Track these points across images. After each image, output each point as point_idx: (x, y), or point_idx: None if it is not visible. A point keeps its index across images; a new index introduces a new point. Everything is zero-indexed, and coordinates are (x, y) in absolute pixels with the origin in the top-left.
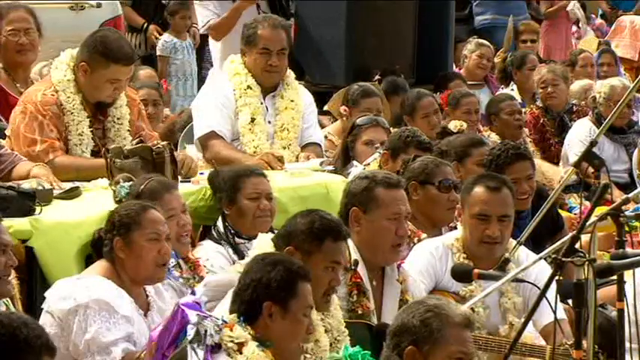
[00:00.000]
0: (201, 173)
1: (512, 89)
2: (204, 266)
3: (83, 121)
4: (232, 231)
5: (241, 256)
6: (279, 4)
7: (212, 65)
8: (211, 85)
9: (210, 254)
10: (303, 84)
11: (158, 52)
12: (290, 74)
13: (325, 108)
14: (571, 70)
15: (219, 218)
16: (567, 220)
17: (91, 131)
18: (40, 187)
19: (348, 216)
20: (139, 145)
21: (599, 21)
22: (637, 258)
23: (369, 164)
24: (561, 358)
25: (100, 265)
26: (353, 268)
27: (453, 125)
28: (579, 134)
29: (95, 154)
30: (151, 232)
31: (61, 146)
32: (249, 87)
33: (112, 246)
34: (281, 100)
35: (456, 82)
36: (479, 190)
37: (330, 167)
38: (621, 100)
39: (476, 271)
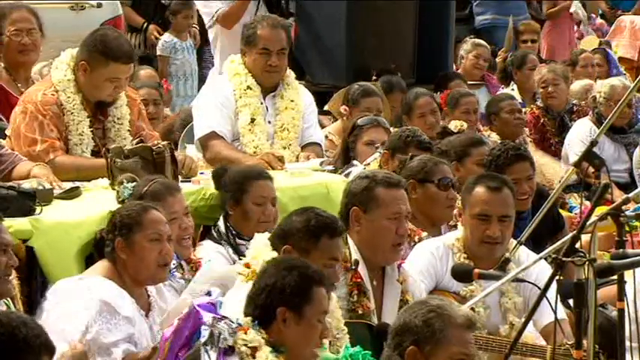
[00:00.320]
0: (202, 173)
1: (512, 89)
2: None
3: (83, 121)
4: (234, 232)
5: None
6: (277, 4)
7: (212, 65)
8: (211, 86)
9: (211, 254)
10: (303, 84)
11: (158, 52)
12: (290, 74)
13: (325, 108)
14: (572, 70)
15: (221, 218)
16: (567, 219)
17: (92, 131)
18: (41, 187)
19: (348, 216)
20: (140, 145)
21: (599, 21)
22: (637, 258)
23: (369, 164)
24: (562, 359)
25: (102, 265)
26: (353, 268)
27: (454, 125)
28: (580, 134)
29: (95, 153)
30: (152, 232)
31: (62, 146)
32: (249, 87)
33: (113, 246)
34: (281, 100)
35: (457, 82)
36: (480, 190)
37: (331, 167)
38: (621, 100)
39: (476, 271)
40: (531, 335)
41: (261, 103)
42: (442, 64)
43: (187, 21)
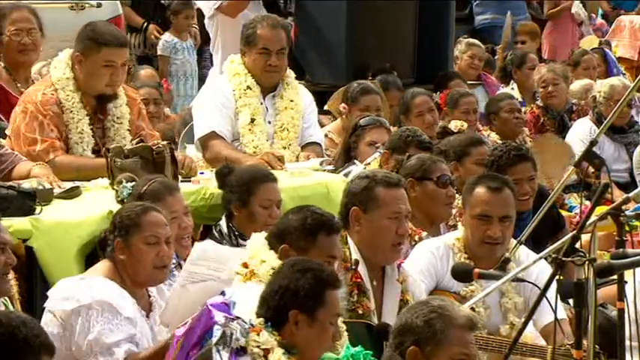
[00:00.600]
0: (202, 173)
1: (512, 88)
2: None
3: (83, 119)
4: (236, 232)
5: None
6: (275, 4)
7: (212, 65)
8: (211, 86)
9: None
10: (303, 83)
11: (159, 52)
12: (290, 74)
13: (325, 107)
14: (572, 70)
15: (223, 218)
16: (567, 219)
17: (91, 129)
18: (41, 187)
19: (348, 215)
20: (140, 144)
21: (599, 21)
22: (637, 258)
23: (369, 164)
24: (562, 359)
25: (103, 265)
26: (353, 267)
27: (454, 125)
28: (579, 134)
29: (96, 152)
30: (149, 234)
31: (62, 146)
32: (248, 87)
33: (113, 247)
34: (281, 100)
35: (456, 82)
36: (480, 190)
37: (331, 167)
38: (621, 100)
39: (476, 270)
40: (531, 335)
41: (261, 103)
42: (442, 63)
43: (188, 21)
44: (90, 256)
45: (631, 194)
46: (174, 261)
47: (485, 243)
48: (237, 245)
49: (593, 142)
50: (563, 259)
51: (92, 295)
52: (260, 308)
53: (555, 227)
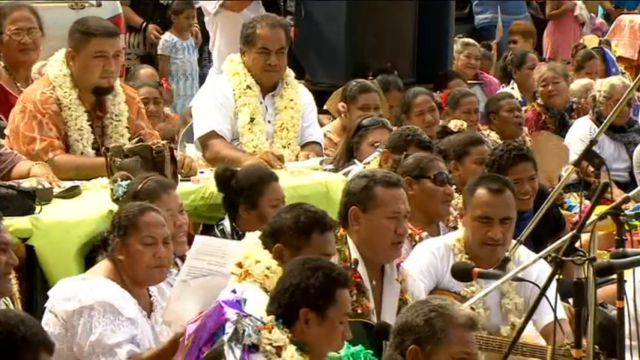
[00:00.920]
0: (202, 172)
1: (512, 88)
2: None
3: (81, 116)
4: (240, 232)
5: None
6: (275, 3)
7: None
8: (211, 85)
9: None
10: (302, 83)
11: (159, 52)
12: (290, 73)
13: (324, 107)
14: (574, 71)
15: (226, 218)
16: (566, 219)
17: (90, 126)
18: (40, 186)
19: (347, 215)
20: (139, 144)
21: (598, 20)
22: (637, 257)
23: (369, 163)
24: (562, 359)
25: (104, 265)
26: (353, 267)
27: (454, 124)
28: (579, 133)
29: (95, 150)
30: (146, 235)
31: (61, 145)
32: (248, 87)
33: (113, 247)
34: (280, 100)
35: (456, 81)
36: (481, 192)
37: (330, 166)
38: (621, 99)
39: (476, 269)
40: (530, 335)
41: (261, 103)
42: (442, 63)
43: (189, 21)
44: (90, 255)
45: (631, 193)
46: None
47: (486, 244)
48: None
49: (592, 142)
50: (563, 258)
51: (94, 296)
52: (271, 306)
53: (556, 227)
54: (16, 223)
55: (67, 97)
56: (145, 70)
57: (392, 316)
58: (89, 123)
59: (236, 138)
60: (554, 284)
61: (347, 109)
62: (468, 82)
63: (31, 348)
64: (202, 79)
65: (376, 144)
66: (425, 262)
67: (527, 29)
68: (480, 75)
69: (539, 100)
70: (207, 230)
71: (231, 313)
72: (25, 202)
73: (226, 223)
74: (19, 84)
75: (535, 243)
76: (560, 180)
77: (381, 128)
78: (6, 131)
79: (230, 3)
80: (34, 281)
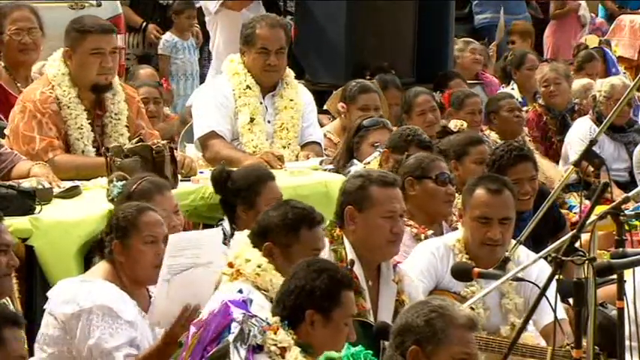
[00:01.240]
0: (201, 172)
1: (512, 88)
2: None
3: (81, 115)
4: None
5: None
6: (275, 3)
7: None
8: (211, 85)
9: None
10: (302, 83)
11: (159, 51)
12: (289, 73)
13: (324, 107)
14: (575, 72)
15: (225, 219)
16: (566, 218)
17: (90, 123)
18: (40, 186)
19: (343, 215)
20: (139, 144)
21: (599, 20)
22: (637, 257)
23: (369, 163)
24: (562, 359)
25: (103, 267)
26: (349, 267)
27: (454, 124)
28: (579, 133)
29: (96, 149)
30: (147, 235)
31: (60, 145)
32: (248, 87)
33: (111, 248)
34: (280, 100)
35: (456, 81)
36: (480, 192)
37: (330, 166)
38: (621, 99)
39: (476, 270)
40: (530, 335)
41: (261, 103)
42: (442, 63)
43: (190, 21)
44: (89, 255)
45: (631, 193)
46: None
47: (485, 244)
48: None
49: (592, 142)
50: (563, 258)
51: (92, 300)
52: (276, 307)
53: (556, 227)
54: (15, 223)
55: (66, 95)
56: (145, 70)
57: (388, 316)
58: (89, 121)
59: (236, 138)
60: (554, 284)
61: (347, 110)
62: (470, 82)
63: None
64: (203, 79)
65: (376, 144)
66: (425, 262)
67: (525, 29)
68: (481, 75)
69: (540, 101)
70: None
71: (237, 313)
72: (25, 202)
73: (226, 224)
74: (19, 84)
75: (535, 243)
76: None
77: (382, 129)
78: (6, 131)
79: (231, 2)
80: (34, 281)
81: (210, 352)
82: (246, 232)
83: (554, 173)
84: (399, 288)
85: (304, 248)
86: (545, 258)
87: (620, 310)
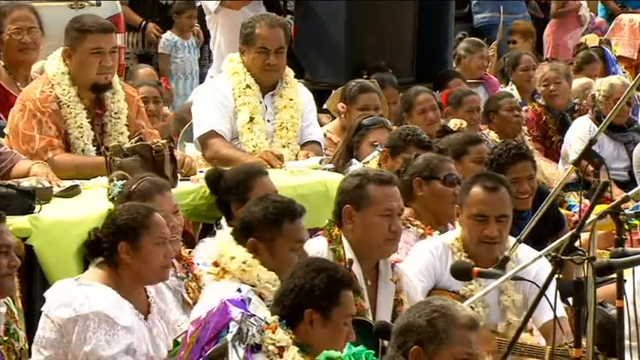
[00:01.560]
0: (201, 171)
1: (511, 89)
2: (198, 264)
3: (80, 113)
4: None
5: None
6: (275, 3)
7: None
8: (210, 84)
9: (213, 252)
10: (302, 82)
11: (160, 50)
12: (289, 73)
13: (324, 106)
14: (574, 72)
15: (223, 218)
16: (566, 218)
17: (90, 123)
18: (40, 186)
19: (341, 214)
20: (139, 143)
21: (598, 19)
22: (637, 256)
23: (368, 162)
24: (560, 358)
25: (100, 270)
26: (348, 267)
27: (453, 124)
28: (579, 132)
29: (96, 148)
30: (158, 236)
31: (60, 144)
32: (248, 86)
33: (114, 250)
34: (280, 99)
35: (456, 81)
36: (476, 190)
37: (330, 165)
38: (621, 98)
39: (475, 269)
40: (526, 335)
41: (260, 102)
42: (441, 62)
43: (191, 21)
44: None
45: (630, 193)
46: None
47: (482, 242)
48: None
49: (592, 141)
50: (563, 257)
51: (89, 305)
52: (275, 307)
53: (555, 226)
54: (15, 223)
55: (66, 94)
56: (144, 70)
57: (387, 315)
58: (89, 120)
59: (236, 137)
60: (553, 283)
61: (346, 110)
62: (472, 81)
63: None
64: (202, 78)
65: (375, 143)
66: (424, 261)
67: (526, 29)
68: (483, 75)
69: (540, 100)
70: (207, 230)
71: (235, 313)
72: (25, 201)
73: (223, 223)
74: (19, 83)
75: (535, 242)
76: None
77: (382, 128)
78: (5, 130)
79: (229, 2)
80: (34, 281)
81: (209, 352)
82: (229, 229)
83: (552, 174)
84: (397, 287)
85: (288, 241)
86: (545, 257)
87: (620, 310)
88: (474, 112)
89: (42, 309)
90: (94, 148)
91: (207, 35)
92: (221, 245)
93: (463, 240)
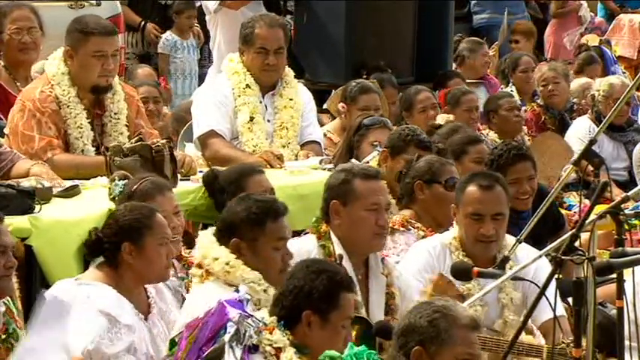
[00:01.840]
0: (201, 171)
1: (511, 90)
2: None
3: (80, 114)
4: None
5: None
6: (275, 3)
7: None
8: (210, 84)
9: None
10: (302, 82)
11: (159, 50)
12: (289, 73)
13: (324, 106)
14: (575, 73)
15: None
16: (566, 218)
17: (89, 123)
18: (40, 186)
19: (328, 209)
20: (139, 143)
21: (598, 19)
22: (637, 256)
23: (368, 162)
24: (558, 357)
25: (100, 270)
26: (338, 262)
27: (442, 119)
28: (578, 132)
29: (96, 148)
30: (161, 236)
31: (60, 144)
32: (247, 86)
33: (117, 250)
34: (280, 99)
35: (456, 81)
36: (472, 189)
37: (330, 165)
38: (620, 98)
39: (475, 269)
40: (529, 337)
41: (260, 102)
42: (441, 62)
43: (190, 21)
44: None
45: (630, 193)
46: None
47: (478, 241)
48: None
49: (592, 141)
50: (563, 257)
51: (90, 304)
52: (274, 307)
53: (555, 226)
54: (15, 223)
55: (66, 95)
56: (143, 70)
57: (380, 309)
58: (88, 120)
59: (235, 137)
60: (553, 283)
61: (347, 110)
62: (473, 81)
63: None
64: (202, 78)
65: (375, 143)
66: (422, 261)
67: (528, 29)
68: (484, 75)
69: (539, 101)
70: (207, 229)
71: (233, 313)
72: (25, 201)
73: None
74: (18, 83)
75: (535, 242)
76: (559, 179)
77: (382, 128)
78: (5, 130)
79: (229, 2)
80: (34, 281)
81: (206, 352)
82: (211, 230)
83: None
84: (388, 281)
85: (271, 240)
86: (545, 257)
87: (620, 310)
88: (472, 112)
89: (44, 312)
90: (94, 148)
91: (207, 35)
92: (203, 246)
93: (460, 239)
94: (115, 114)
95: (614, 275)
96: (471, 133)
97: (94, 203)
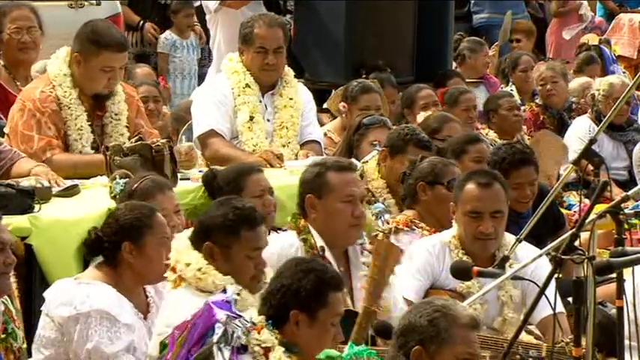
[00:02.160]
0: (201, 171)
1: (511, 89)
2: None
3: (81, 116)
4: None
5: None
6: (275, 2)
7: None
8: (210, 84)
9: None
10: (302, 82)
11: (158, 50)
12: (289, 72)
13: (325, 106)
14: (574, 72)
15: None
16: (566, 217)
17: (90, 125)
18: (39, 185)
19: (304, 204)
20: (139, 142)
21: (598, 19)
22: (636, 256)
23: (367, 161)
24: (556, 356)
25: (100, 269)
26: (321, 254)
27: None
28: (578, 132)
29: (95, 149)
30: (161, 235)
31: (59, 144)
32: (247, 85)
33: (117, 249)
34: (280, 98)
35: (455, 80)
36: (470, 186)
37: None
38: (620, 98)
39: (475, 268)
40: (529, 338)
41: (260, 101)
42: (441, 62)
43: (188, 20)
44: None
45: (630, 192)
46: None
47: (477, 239)
48: None
49: (592, 140)
50: (562, 257)
51: (90, 303)
52: (262, 306)
53: (555, 226)
54: (15, 222)
55: (67, 96)
56: (142, 69)
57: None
58: (89, 122)
59: (235, 137)
60: (553, 282)
61: (348, 110)
62: (473, 80)
63: None
64: (202, 78)
65: (374, 142)
66: (421, 260)
67: (529, 28)
68: (485, 75)
69: (538, 100)
70: None
71: (220, 314)
72: (24, 200)
73: None
74: (18, 83)
75: (535, 242)
76: (559, 179)
77: (382, 127)
78: (5, 130)
79: (229, 1)
80: (33, 280)
81: (195, 355)
82: (187, 232)
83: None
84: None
85: (244, 248)
86: (545, 256)
87: (620, 310)
88: (470, 111)
89: (41, 308)
90: (92, 151)
91: (208, 35)
92: (177, 250)
93: (460, 237)
94: (116, 115)
95: (614, 275)
96: (470, 132)
97: (93, 203)
